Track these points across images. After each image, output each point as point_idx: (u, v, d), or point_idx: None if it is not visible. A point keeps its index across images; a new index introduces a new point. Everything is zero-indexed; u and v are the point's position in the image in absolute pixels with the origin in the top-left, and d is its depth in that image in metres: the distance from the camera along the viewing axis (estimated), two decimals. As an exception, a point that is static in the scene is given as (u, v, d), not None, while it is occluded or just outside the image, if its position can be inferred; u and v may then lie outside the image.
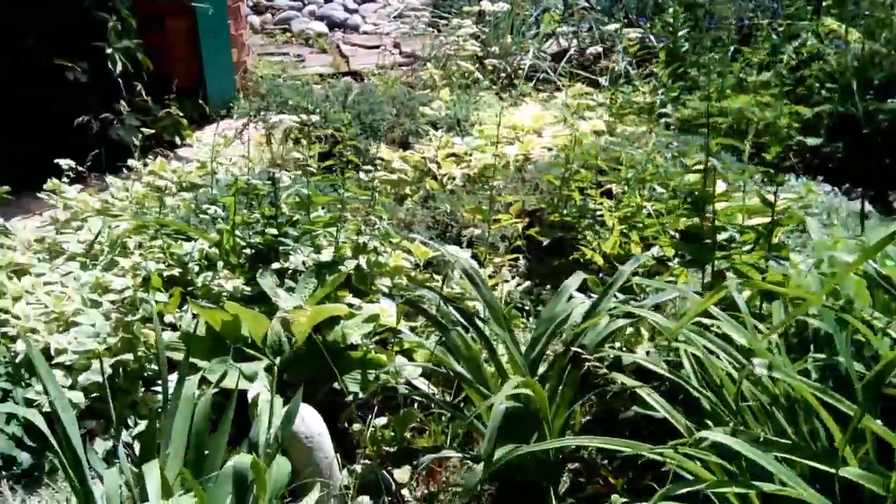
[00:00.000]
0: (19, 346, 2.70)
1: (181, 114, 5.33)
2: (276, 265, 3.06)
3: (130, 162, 4.41)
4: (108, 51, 4.69)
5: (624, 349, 2.69)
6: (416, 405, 2.82)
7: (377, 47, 7.43)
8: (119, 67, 4.74)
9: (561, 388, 2.40)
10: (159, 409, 2.63)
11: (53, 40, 4.61)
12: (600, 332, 2.47)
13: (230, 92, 6.03)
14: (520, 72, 5.90)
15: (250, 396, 2.48)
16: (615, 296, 2.58)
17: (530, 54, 6.17)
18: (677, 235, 3.37)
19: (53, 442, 2.27)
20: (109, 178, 4.24)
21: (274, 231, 3.07)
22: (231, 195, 3.16)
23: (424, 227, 3.78)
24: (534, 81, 6.08)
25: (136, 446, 2.60)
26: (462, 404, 2.80)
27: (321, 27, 8.46)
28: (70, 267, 3.31)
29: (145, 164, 4.37)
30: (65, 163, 3.68)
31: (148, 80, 4.96)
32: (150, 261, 3.07)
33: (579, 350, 2.16)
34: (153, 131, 4.99)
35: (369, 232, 3.23)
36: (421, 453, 2.75)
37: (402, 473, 2.66)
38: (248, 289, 2.99)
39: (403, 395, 2.73)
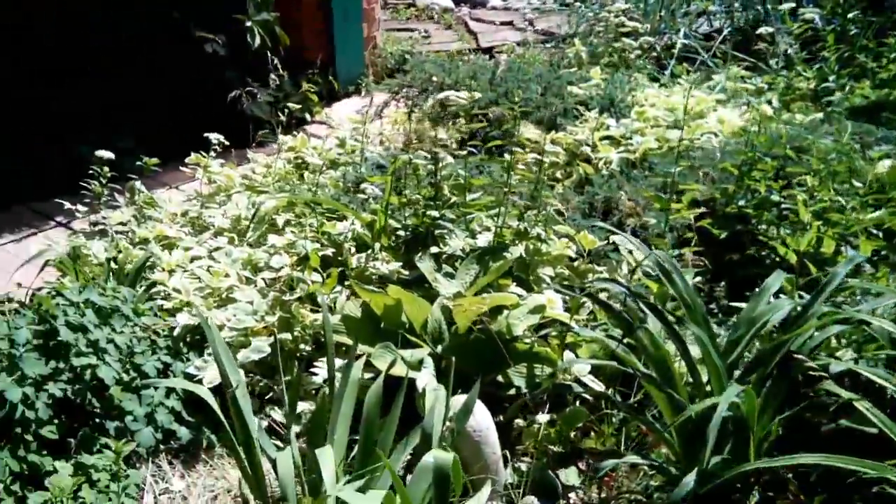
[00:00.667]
0: (180, 319, 2.76)
1: (312, 89, 5.41)
2: (434, 249, 3.02)
3: (266, 137, 4.50)
4: (248, 24, 4.79)
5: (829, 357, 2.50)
6: (581, 403, 2.72)
7: (507, 24, 7.35)
8: (257, 41, 4.84)
9: (765, 396, 2.25)
10: (317, 391, 2.65)
11: (197, 12, 4.75)
12: (811, 338, 2.30)
13: (359, 68, 6.08)
14: (673, 51, 5.67)
15: (420, 386, 2.44)
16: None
17: (681, 33, 5.93)
18: (880, 234, 3.13)
19: (222, 417, 2.30)
20: (251, 153, 4.32)
21: (434, 213, 3.03)
22: (389, 174, 3.13)
23: (580, 213, 3.66)
24: (683, 62, 5.84)
25: (293, 428, 2.62)
26: (636, 405, 2.69)
27: (447, 2, 8.45)
28: (217, 242, 3.38)
29: (282, 140, 4.43)
30: (214, 136, 3.76)
31: (289, 56, 5.06)
32: (304, 239, 3.09)
33: (802, 357, 2.00)
34: (285, 107, 5.08)
35: (532, 217, 3.14)
36: (587, 454, 2.67)
37: (569, 475, 2.58)
38: (406, 272, 2.95)
39: (574, 392, 2.64)
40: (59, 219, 4.33)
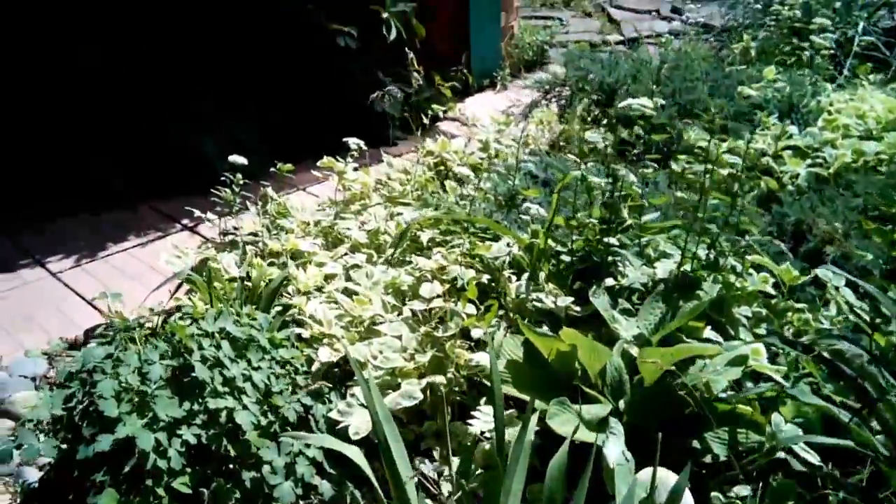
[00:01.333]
0: (321, 354, 2.46)
1: (444, 84, 5.07)
2: (609, 281, 2.61)
3: (398, 135, 4.20)
4: (384, 15, 4.49)
5: None
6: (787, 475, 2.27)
7: (651, 12, 6.82)
8: (393, 34, 4.53)
9: None
10: (474, 443, 2.30)
11: (330, 2, 4.48)
12: None
13: (495, 60, 5.71)
14: (851, 48, 5.02)
15: (611, 461, 2.05)
16: None
17: (859, 28, 5.25)
18: None
19: (371, 476, 2.00)
20: (385, 154, 4.02)
21: (612, 240, 2.62)
22: (556, 191, 2.74)
23: (763, 236, 3.17)
24: (866, 61, 5.18)
25: (443, 485, 2.28)
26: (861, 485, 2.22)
27: (583, -11, 7.97)
28: (354, 258, 3.07)
29: (420, 143, 4.11)
30: (353, 142, 3.46)
31: (420, 47, 4.73)
32: (456, 264, 2.74)
33: None
34: (419, 105, 4.77)
35: (727, 245, 2.69)
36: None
37: (779, 572, 2.13)
38: (577, 308, 2.56)
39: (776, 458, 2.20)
40: (185, 222, 4.16)
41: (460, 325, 2.54)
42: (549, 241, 2.86)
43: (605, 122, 4.01)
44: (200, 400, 2.24)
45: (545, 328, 2.59)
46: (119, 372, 2.23)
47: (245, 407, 2.24)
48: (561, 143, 4.27)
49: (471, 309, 2.62)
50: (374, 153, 4.36)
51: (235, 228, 3.22)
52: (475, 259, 2.86)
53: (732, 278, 2.68)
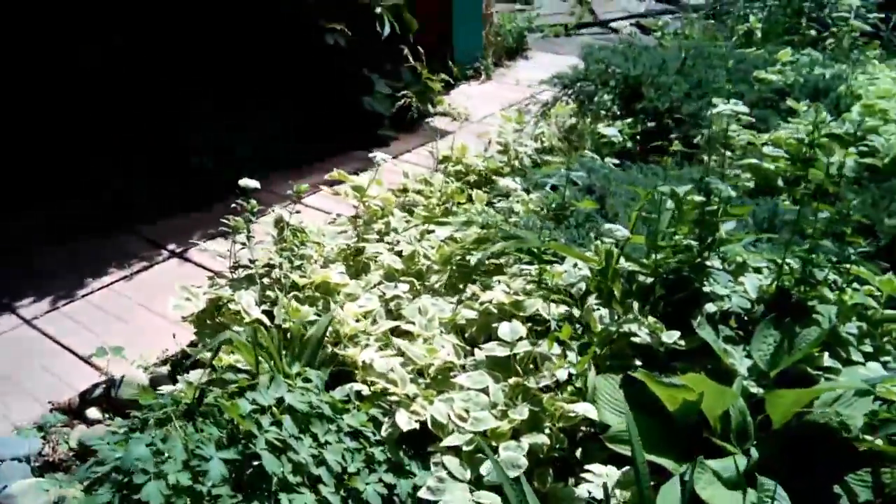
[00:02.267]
0: (399, 420, 2.05)
1: (434, 77, 4.65)
2: (709, 306, 2.27)
3: (389, 133, 3.79)
4: (377, 10, 4.02)
5: None
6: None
7: (621, -8, 6.51)
8: (387, 30, 4.08)
9: None
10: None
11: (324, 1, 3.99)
12: None
13: (478, 49, 5.30)
14: (846, 25, 4.79)
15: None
16: None
17: (853, 3, 5.04)
18: None
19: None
20: (392, 161, 3.60)
21: (715, 262, 2.28)
22: (637, 210, 2.39)
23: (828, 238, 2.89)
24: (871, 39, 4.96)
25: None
26: None
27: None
28: (394, 290, 2.66)
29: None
30: (379, 156, 3.01)
31: (413, 41, 4.29)
32: (528, 294, 2.36)
33: None
34: (405, 100, 4.35)
35: (821, 257, 2.38)
36: None
37: None
38: (682, 343, 2.21)
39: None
40: (171, 247, 3.64)
41: (552, 370, 2.16)
42: (626, 262, 2.51)
43: (628, 117, 3.67)
44: (268, 494, 1.81)
45: (638, 365, 2.25)
46: (164, 470, 1.78)
47: (325, 500, 1.82)
48: (571, 139, 3.91)
49: (557, 348, 2.25)
50: (362, 156, 3.96)
51: (252, 262, 2.76)
52: (540, 286, 2.48)
53: (827, 292, 2.38)
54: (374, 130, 4.41)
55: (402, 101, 4.47)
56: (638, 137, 3.72)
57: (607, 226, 2.40)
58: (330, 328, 2.45)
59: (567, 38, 6.15)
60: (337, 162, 4.24)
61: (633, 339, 2.24)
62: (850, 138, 3.42)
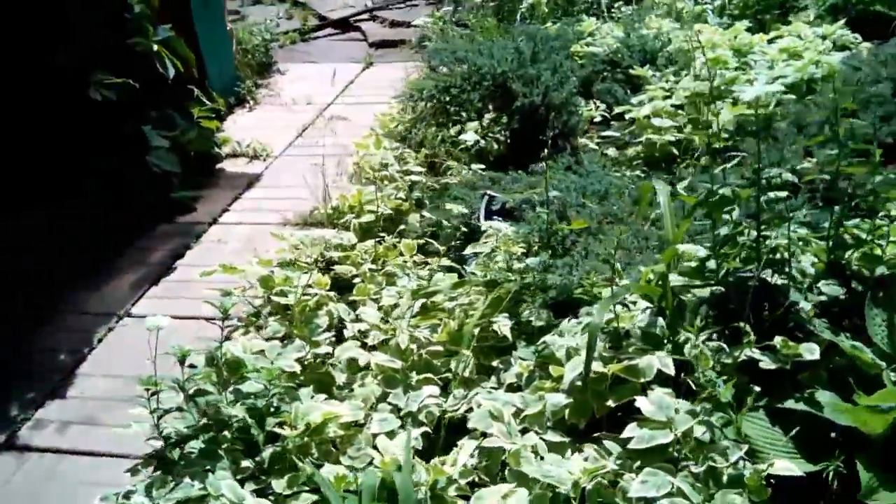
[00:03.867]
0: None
1: (207, 115, 3.78)
2: (805, 304, 2.02)
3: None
4: (155, 48, 3.07)
5: None
6: None
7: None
8: (171, 70, 3.16)
9: None
10: None
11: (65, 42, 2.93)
12: None
13: (232, 72, 4.45)
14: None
15: None
16: None
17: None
18: None
19: None
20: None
21: (807, 265, 2.01)
22: (690, 212, 2.03)
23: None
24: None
25: None
26: None
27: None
28: (412, 401, 2.00)
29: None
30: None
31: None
32: (634, 349, 1.90)
33: None
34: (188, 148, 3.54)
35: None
36: None
37: None
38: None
39: None
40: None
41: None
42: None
43: (499, 118, 3.29)
44: None
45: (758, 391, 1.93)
46: None
47: None
48: (436, 155, 3.42)
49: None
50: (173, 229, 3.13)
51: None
52: (616, 334, 2.03)
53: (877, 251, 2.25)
54: (168, 194, 3.47)
55: (186, 150, 3.58)
56: (508, 140, 3.38)
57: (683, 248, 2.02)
58: None
59: (307, 44, 5.52)
60: (147, 245, 3.25)
61: (760, 364, 1.91)
62: (717, 92, 3.42)
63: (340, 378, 2.18)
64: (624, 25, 4.08)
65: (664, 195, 2.24)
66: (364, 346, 2.25)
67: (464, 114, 3.29)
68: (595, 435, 1.91)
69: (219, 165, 3.86)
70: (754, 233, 2.12)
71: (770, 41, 3.84)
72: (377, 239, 2.69)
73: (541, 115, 3.19)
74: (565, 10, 4.70)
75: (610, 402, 1.89)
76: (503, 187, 2.88)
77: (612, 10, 4.79)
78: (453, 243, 2.73)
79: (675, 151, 3.18)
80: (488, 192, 2.80)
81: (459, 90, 3.20)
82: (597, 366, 1.93)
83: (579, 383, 1.92)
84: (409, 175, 3.22)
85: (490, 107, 3.30)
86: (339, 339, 2.33)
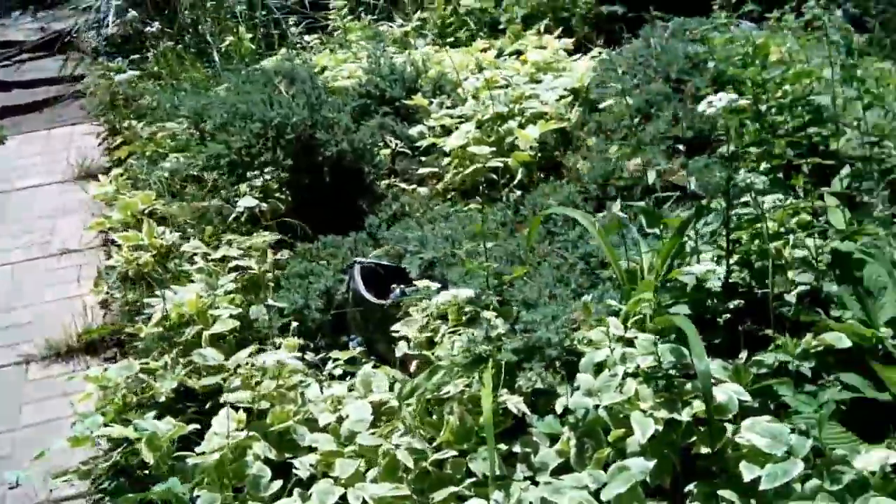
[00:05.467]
0: None
1: None
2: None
3: None
4: None
5: None
6: None
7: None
8: None
9: None
10: None
11: None
12: None
13: None
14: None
15: None
16: None
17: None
18: None
19: None
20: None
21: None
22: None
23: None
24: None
25: None
26: None
27: None
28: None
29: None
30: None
31: None
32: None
33: None
34: None
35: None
36: None
37: None
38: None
39: None
40: None
41: None
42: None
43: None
44: None
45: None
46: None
47: None
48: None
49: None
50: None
51: None
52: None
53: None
54: None
55: None
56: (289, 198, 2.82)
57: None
58: None
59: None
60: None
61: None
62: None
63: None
64: (359, 54, 3.77)
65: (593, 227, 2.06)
66: (336, 480, 1.59)
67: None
68: (686, 490, 1.59)
69: None
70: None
71: (514, 55, 3.92)
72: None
73: (348, 163, 2.73)
74: (267, 46, 4.27)
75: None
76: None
77: (303, 44, 4.48)
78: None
79: (495, 177, 2.98)
80: (357, 259, 2.29)
81: (256, 152, 2.57)
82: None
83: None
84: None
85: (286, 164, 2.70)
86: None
